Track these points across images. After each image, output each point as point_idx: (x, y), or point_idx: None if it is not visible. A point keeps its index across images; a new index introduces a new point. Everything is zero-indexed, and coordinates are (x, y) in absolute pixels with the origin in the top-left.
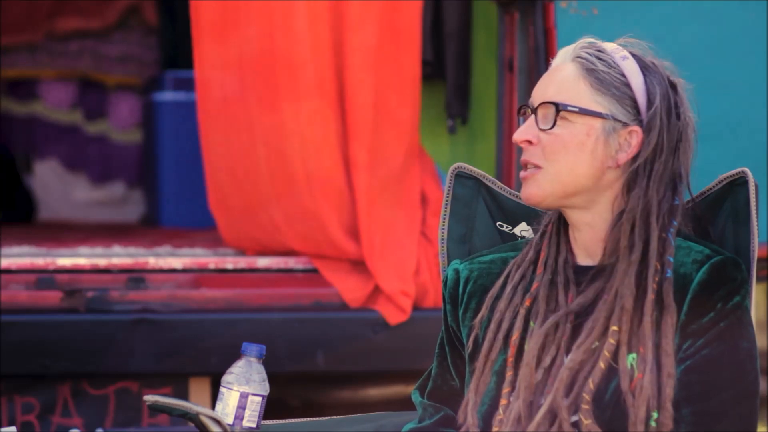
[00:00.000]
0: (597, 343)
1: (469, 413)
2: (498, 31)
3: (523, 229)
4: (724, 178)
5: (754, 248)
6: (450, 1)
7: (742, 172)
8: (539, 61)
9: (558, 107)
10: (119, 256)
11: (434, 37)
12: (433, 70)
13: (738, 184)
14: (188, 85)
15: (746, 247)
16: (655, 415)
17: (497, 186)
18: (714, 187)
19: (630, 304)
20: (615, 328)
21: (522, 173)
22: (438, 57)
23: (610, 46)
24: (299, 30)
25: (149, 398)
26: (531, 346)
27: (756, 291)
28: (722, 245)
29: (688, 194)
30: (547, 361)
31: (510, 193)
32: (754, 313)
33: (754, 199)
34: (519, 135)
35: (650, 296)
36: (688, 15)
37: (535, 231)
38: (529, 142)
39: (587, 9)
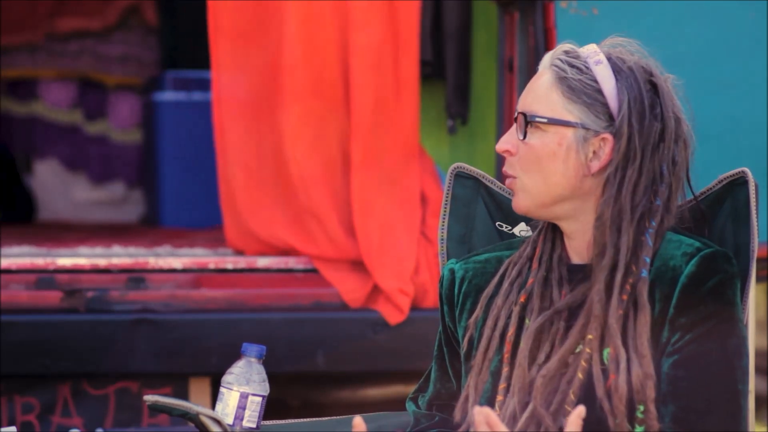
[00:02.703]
0: (580, 346)
1: (469, 410)
2: (498, 31)
3: (522, 229)
4: (724, 178)
5: (754, 248)
6: (450, 1)
7: (742, 172)
8: (539, 61)
9: (527, 118)
10: (119, 256)
11: (434, 37)
12: (433, 70)
13: (738, 184)
14: (188, 85)
15: (746, 247)
16: (641, 407)
17: (497, 186)
18: (714, 187)
19: (599, 311)
20: (590, 336)
21: (506, 182)
22: (438, 57)
23: (586, 51)
24: (291, 32)
25: (149, 398)
26: (522, 347)
27: (756, 291)
28: (722, 245)
29: (690, 191)
30: (541, 358)
31: (509, 193)
32: (754, 313)
33: (754, 199)
34: (500, 145)
35: (617, 296)
36: (688, 15)
37: (533, 228)
38: (509, 151)
39: (587, 9)
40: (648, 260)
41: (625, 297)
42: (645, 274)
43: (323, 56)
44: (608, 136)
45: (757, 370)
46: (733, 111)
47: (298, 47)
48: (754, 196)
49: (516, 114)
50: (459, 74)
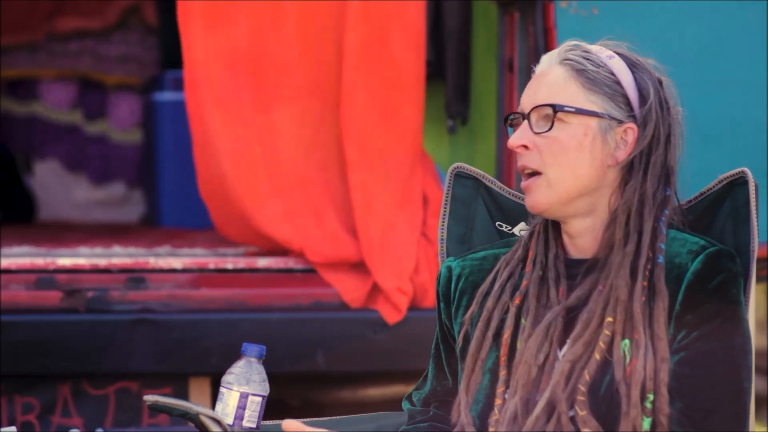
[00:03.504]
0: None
1: (462, 412)
2: (498, 31)
3: (522, 229)
4: (724, 178)
5: (754, 248)
6: (450, 1)
7: (742, 172)
8: (539, 61)
9: (555, 108)
10: (119, 256)
11: (434, 37)
12: (433, 70)
13: (738, 183)
14: None
15: (746, 247)
16: (650, 396)
17: (497, 186)
18: (714, 187)
19: (625, 295)
20: (610, 319)
21: (524, 182)
22: (438, 57)
23: (594, 47)
24: (288, 31)
25: (149, 398)
26: (529, 345)
27: (756, 291)
28: (722, 245)
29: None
30: (540, 358)
31: (509, 193)
32: (754, 313)
33: (754, 199)
34: (514, 140)
35: (641, 283)
36: (688, 15)
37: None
38: (525, 147)
39: (587, 9)
40: (663, 247)
41: (645, 283)
42: (661, 260)
43: (320, 55)
44: (632, 126)
45: (757, 370)
46: (733, 111)
47: (294, 46)
48: (754, 196)
49: (525, 111)
50: (459, 74)
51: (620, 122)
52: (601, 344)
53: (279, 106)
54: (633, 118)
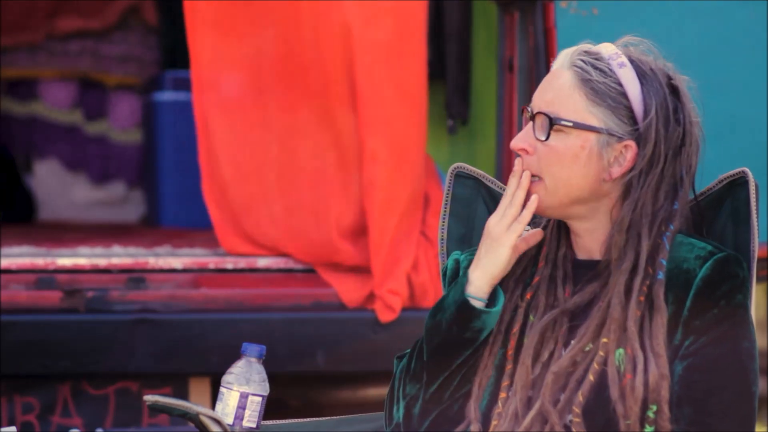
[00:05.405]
0: (590, 346)
1: (472, 405)
2: (498, 31)
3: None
4: (724, 178)
5: (754, 248)
6: (450, 1)
7: (742, 172)
8: (539, 61)
9: (552, 121)
10: (119, 256)
11: (434, 37)
12: (433, 70)
13: (738, 184)
14: (188, 85)
15: (746, 247)
16: (654, 407)
17: (497, 186)
18: (714, 187)
19: (618, 313)
20: (605, 340)
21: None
22: (438, 57)
23: (608, 51)
24: (306, 30)
25: (149, 398)
26: (527, 344)
27: (756, 291)
28: (722, 245)
29: (693, 194)
30: (545, 355)
31: None
32: (754, 313)
33: (754, 199)
34: (516, 143)
35: (635, 298)
36: (688, 15)
37: (537, 225)
38: (526, 151)
39: (587, 9)
40: (665, 263)
41: (641, 298)
42: (661, 276)
43: (333, 54)
44: (631, 143)
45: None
46: (733, 111)
47: (308, 44)
48: (754, 196)
49: (532, 112)
50: (459, 74)
51: (620, 138)
52: (596, 365)
53: (301, 106)
54: (636, 132)
